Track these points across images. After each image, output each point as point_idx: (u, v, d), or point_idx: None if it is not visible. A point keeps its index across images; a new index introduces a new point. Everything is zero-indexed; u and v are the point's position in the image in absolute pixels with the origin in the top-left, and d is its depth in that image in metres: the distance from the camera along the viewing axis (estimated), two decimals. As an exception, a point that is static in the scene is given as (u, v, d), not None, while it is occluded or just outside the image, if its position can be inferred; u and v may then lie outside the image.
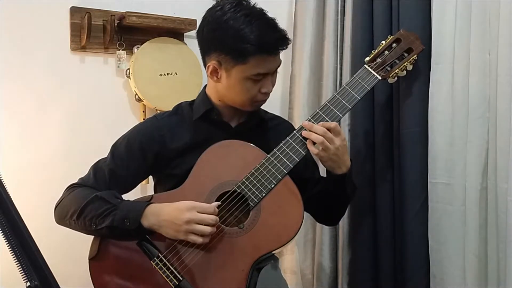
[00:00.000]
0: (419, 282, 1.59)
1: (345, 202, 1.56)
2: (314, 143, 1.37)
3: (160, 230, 1.33)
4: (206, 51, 1.43)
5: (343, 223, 1.87)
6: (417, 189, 1.60)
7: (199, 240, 1.30)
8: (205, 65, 1.45)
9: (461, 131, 1.50)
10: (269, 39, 1.36)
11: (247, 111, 1.51)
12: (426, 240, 1.56)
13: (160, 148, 1.45)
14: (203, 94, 1.52)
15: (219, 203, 1.33)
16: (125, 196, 1.44)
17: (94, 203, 1.36)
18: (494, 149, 1.44)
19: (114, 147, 1.49)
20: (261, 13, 1.39)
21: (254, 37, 1.33)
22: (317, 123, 1.39)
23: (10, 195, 0.96)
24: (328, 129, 1.37)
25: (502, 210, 1.40)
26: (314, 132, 1.37)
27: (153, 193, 1.52)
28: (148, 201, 1.37)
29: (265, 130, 1.54)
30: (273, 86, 1.45)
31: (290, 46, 2.06)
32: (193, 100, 1.54)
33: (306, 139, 1.38)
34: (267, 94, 1.44)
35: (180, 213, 1.30)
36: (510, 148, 1.37)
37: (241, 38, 1.34)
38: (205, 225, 1.29)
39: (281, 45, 1.39)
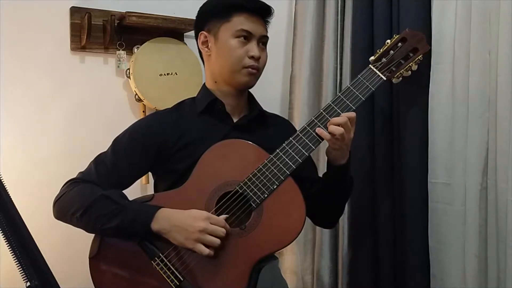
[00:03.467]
0: (419, 282, 1.59)
1: (344, 196, 1.56)
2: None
3: (168, 235, 1.33)
4: (198, 27, 1.52)
5: (343, 223, 1.87)
6: (417, 189, 1.60)
7: (206, 251, 1.30)
8: (197, 43, 1.52)
9: (461, 131, 1.50)
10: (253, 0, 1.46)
11: (247, 106, 1.53)
12: (426, 240, 1.56)
13: (162, 142, 1.45)
14: (204, 88, 1.54)
15: (227, 216, 1.34)
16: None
17: (101, 201, 1.36)
18: (494, 149, 1.44)
19: (116, 141, 1.48)
20: None
21: None
22: (321, 123, 1.39)
23: (10, 195, 0.96)
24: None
25: (502, 210, 1.40)
26: (335, 124, 1.37)
27: (153, 192, 1.52)
28: (158, 205, 1.37)
29: (267, 126, 1.55)
30: (263, 60, 1.47)
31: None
32: (195, 97, 1.56)
33: (308, 140, 1.38)
34: (255, 61, 1.45)
35: (194, 221, 1.31)
36: (510, 148, 1.37)
37: None
38: (215, 236, 1.30)
39: (263, 6, 1.47)
